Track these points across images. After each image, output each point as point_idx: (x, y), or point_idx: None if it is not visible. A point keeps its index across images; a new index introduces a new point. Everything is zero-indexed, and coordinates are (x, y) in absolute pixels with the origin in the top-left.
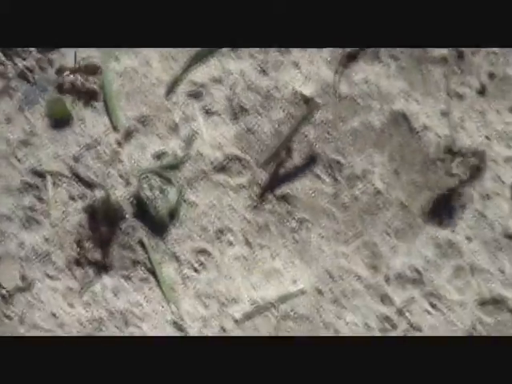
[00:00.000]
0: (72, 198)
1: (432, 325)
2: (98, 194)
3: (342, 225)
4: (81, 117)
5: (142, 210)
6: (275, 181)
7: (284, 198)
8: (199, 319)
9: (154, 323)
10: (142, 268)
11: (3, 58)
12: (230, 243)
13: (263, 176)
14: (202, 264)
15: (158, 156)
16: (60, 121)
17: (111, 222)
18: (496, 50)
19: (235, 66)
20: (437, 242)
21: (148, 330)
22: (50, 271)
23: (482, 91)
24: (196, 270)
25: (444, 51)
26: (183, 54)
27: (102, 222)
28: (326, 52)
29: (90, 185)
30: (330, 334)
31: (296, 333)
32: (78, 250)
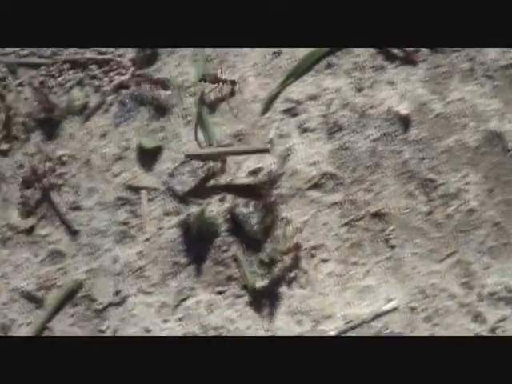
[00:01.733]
0: (167, 214)
1: None
2: (193, 209)
3: (435, 243)
4: (176, 133)
5: (236, 225)
6: (368, 198)
7: (378, 216)
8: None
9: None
10: (236, 284)
11: (100, 74)
12: (324, 260)
13: (357, 193)
14: (295, 280)
15: (253, 172)
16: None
17: (206, 237)
18: None
19: (331, 83)
20: None
21: None
22: (144, 286)
23: None
24: (290, 287)
25: None
26: (279, 70)
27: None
28: (422, 71)
29: (184, 200)
30: None
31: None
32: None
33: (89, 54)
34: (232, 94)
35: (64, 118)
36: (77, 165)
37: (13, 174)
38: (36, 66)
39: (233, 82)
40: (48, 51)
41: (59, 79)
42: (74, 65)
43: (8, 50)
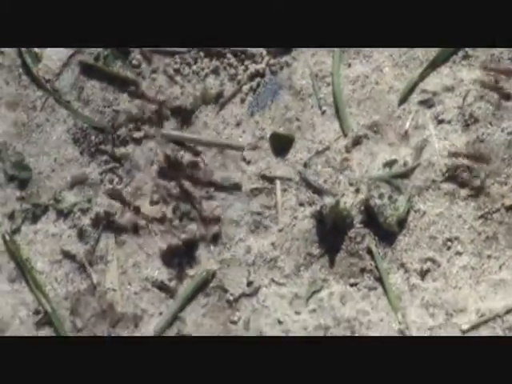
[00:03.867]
0: (301, 204)
1: None
2: (327, 200)
3: None
4: (311, 123)
5: (370, 217)
6: (504, 191)
7: None
8: (425, 329)
9: (381, 332)
10: (370, 276)
11: (235, 62)
12: (458, 253)
13: (492, 186)
14: (429, 273)
15: (388, 164)
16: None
17: (339, 228)
18: None
19: (467, 74)
20: None
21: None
22: (277, 277)
23: None
24: (423, 280)
25: None
26: (415, 61)
27: (331, 228)
28: None
29: (319, 191)
30: None
31: None
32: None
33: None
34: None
35: (198, 107)
36: (210, 154)
37: (146, 162)
38: (171, 54)
39: None
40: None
41: (194, 67)
42: (209, 53)
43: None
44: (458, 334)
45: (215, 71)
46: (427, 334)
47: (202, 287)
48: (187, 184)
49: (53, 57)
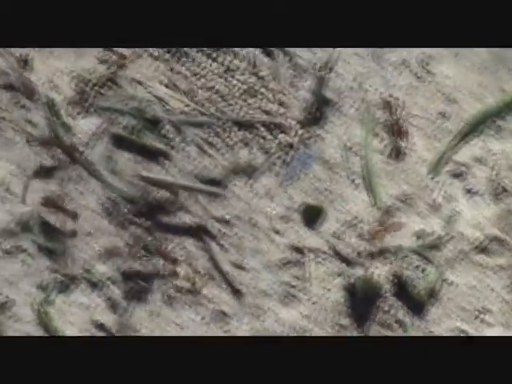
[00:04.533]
0: (332, 275)
1: None
2: (358, 271)
3: None
4: (340, 193)
5: (401, 288)
6: None
7: None
8: None
9: None
10: None
11: (266, 133)
12: (489, 324)
13: None
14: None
15: (419, 235)
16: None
17: (370, 300)
18: None
19: (498, 146)
20: None
21: None
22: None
23: None
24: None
25: None
26: (446, 132)
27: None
28: None
29: (350, 262)
30: None
31: None
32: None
33: (254, 113)
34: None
35: (230, 178)
36: (241, 225)
37: (178, 232)
38: (202, 125)
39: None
40: (212, 109)
41: (225, 138)
42: (240, 124)
43: (174, 107)
44: None
45: (247, 143)
46: None
47: None
48: (218, 254)
49: (85, 128)
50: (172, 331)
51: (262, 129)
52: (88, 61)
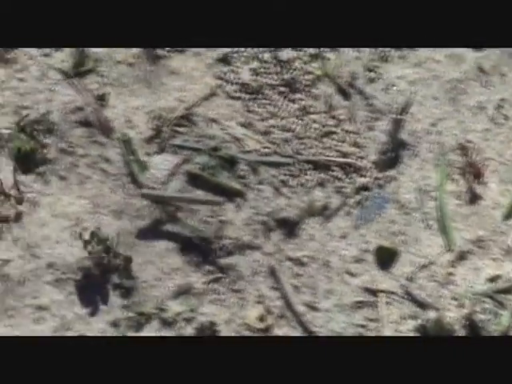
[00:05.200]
0: (404, 318)
1: None
2: (431, 314)
3: None
4: (414, 236)
5: (474, 332)
6: None
7: None
8: None
9: None
10: None
11: (341, 175)
12: None
13: None
14: None
15: (492, 279)
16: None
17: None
18: None
19: None
20: None
21: None
22: None
23: None
24: None
25: None
26: None
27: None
28: None
29: (422, 305)
30: None
31: None
32: None
33: (330, 154)
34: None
35: (304, 219)
36: (315, 266)
37: (252, 272)
38: (277, 165)
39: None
40: (289, 149)
41: (300, 179)
42: (316, 165)
43: (250, 148)
44: None
45: (322, 183)
46: None
47: None
48: (290, 295)
49: (160, 166)
50: None
51: (338, 170)
52: (165, 99)
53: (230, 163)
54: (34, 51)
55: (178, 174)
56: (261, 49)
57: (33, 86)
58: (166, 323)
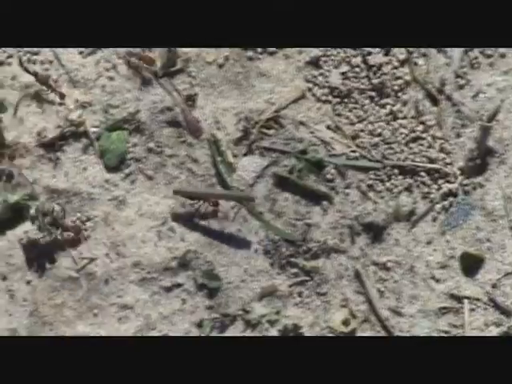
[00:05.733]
0: (488, 325)
1: None
2: None
3: None
4: (500, 243)
5: None
6: None
7: None
8: None
9: None
10: None
11: (428, 180)
12: None
13: None
14: None
15: None
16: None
17: None
18: None
19: None
20: None
21: None
22: None
23: None
24: None
25: None
26: None
27: None
28: None
29: (507, 312)
30: None
31: None
32: None
33: (417, 160)
34: None
35: (390, 224)
36: (400, 271)
37: (337, 275)
38: (365, 170)
39: None
40: (379, 154)
41: (387, 184)
42: (403, 170)
43: (338, 151)
44: None
45: (408, 189)
46: None
47: None
48: (374, 299)
49: (247, 167)
50: None
51: (425, 175)
52: (254, 101)
53: (318, 166)
54: (121, 50)
55: (266, 176)
56: (350, 52)
57: (122, 84)
58: (250, 325)
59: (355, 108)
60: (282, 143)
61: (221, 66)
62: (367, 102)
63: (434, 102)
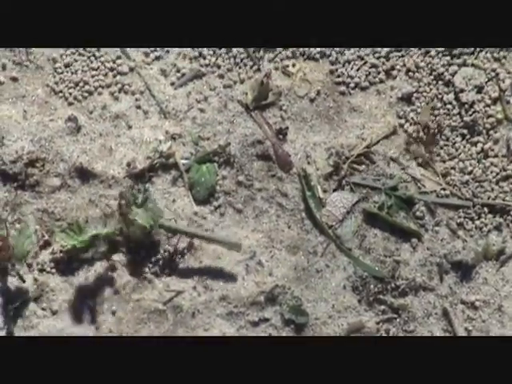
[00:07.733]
0: None
1: None
2: None
3: None
4: None
5: None
6: None
7: None
8: None
9: None
10: None
11: None
12: None
13: None
14: None
15: None
16: None
17: None
18: None
19: None
20: None
21: None
22: None
23: None
24: None
25: None
26: None
27: None
28: None
29: None
30: None
31: None
32: None
33: (507, 199)
34: None
35: (479, 262)
36: (488, 310)
37: (424, 313)
38: (455, 208)
39: None
40: (469, 192)
41: (477, 222)
42: (493, 209)
43: (428, 188)
44: None
45: (498, 228)
46: None
47: None
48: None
49: (336, 203)
50: None
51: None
52: (345, 136)
53: (408, 203)
54: (217, 82)
55: (355, 212)
56: (442, 89)
57: (213, 117)
58: None
59: (446, 145)
60: (373, 179)
61: (312, 100)
62: (459, 139)
63: None
